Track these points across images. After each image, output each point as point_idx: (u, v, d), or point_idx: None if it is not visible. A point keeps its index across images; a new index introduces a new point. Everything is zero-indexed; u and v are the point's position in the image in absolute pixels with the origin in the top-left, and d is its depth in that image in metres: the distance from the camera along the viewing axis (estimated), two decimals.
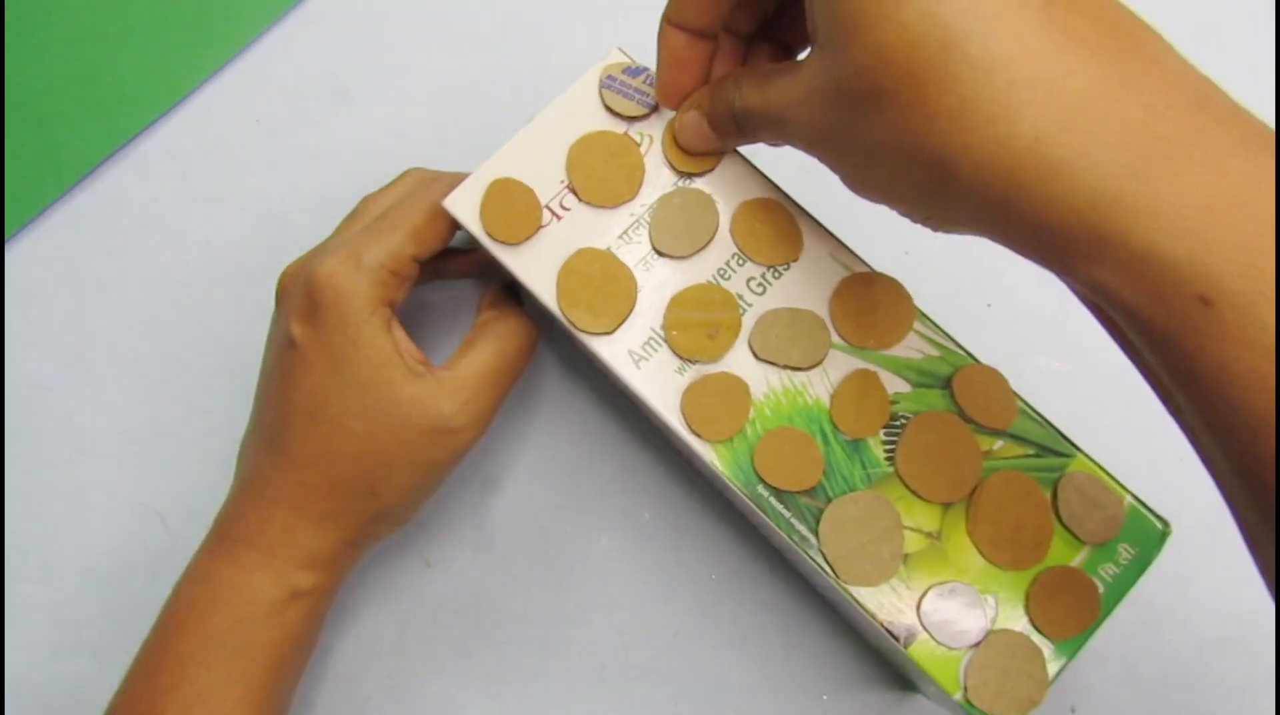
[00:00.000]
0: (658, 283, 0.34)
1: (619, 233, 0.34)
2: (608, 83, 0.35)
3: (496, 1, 0.45)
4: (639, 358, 0.34)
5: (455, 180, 0.34)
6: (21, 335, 0.41)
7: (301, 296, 0.32)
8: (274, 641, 0.32)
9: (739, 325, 0.33)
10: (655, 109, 0.34)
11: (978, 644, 0.31)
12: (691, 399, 0.33)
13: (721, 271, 0.34)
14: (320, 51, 0.44)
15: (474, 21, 0.45)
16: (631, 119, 0.34)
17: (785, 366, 0.33)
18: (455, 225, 0.34)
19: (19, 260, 0.41)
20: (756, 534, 0.40)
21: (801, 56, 0.29)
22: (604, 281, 0.34)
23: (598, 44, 0.45)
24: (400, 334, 0.33)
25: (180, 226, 0.42)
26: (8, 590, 0.38)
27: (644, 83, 0.34)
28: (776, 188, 0.34)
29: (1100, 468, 0.31)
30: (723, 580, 0.39)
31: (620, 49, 0.35)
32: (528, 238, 0.34)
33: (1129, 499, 0.31)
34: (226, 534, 0.33)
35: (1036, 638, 0.32)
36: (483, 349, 0.34)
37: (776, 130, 0.29)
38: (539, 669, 0.38)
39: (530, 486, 0.40)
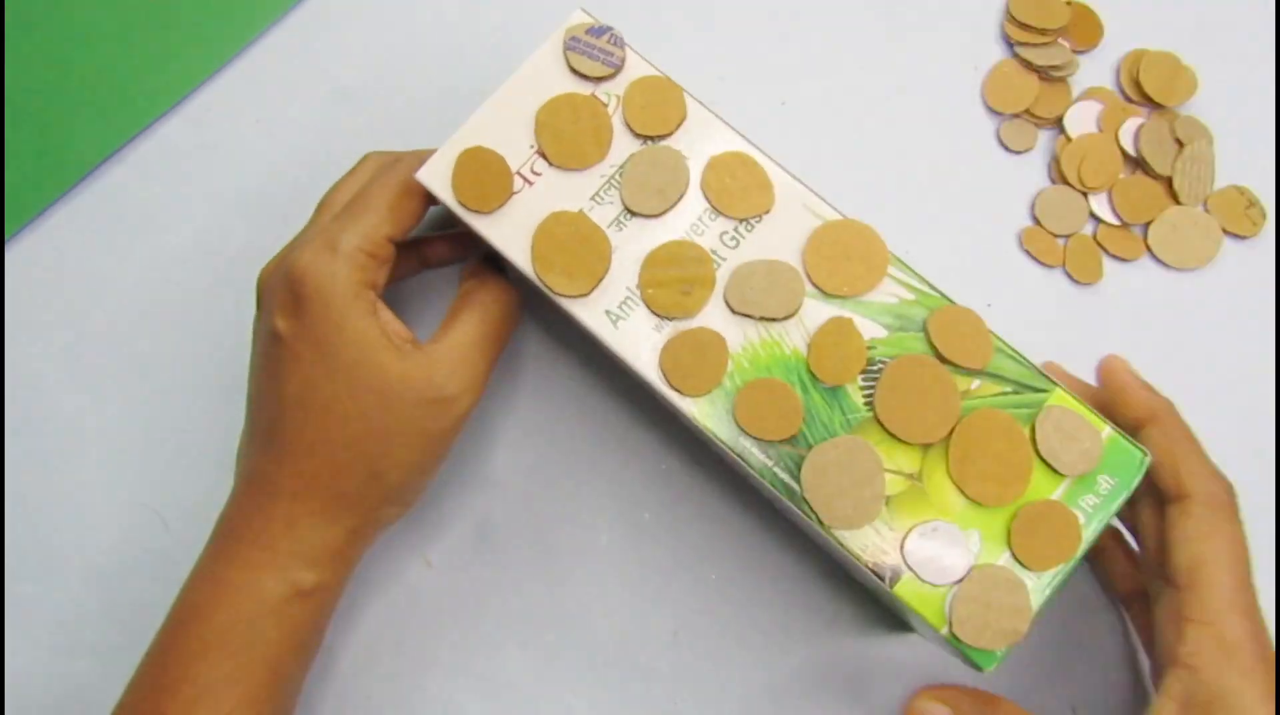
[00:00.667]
0: (631, 242, 0.34)
1: (590, 194, 0.34)
2: (571, 44, 0.35)
3: (497, 2, 0.45)
4: (616, 317, 0.34)
5: (417, 158, 0.34)
6: (21, 335, 0.41)
7: (282, 290, 0.32)
8: (277, 640, 0.32)
9: (713, 280, 0.33)
10: (620, 68, 0.34)
11: (961, 580, 0.32)
12: (670, 356, 0.33)
13: (694, 227, 0.34)
14: (320, 51, 0.44)
15: (475, 22, 0.45)
16: (598, 79, 0.35)
17: (761, 318, 0.33)
18: (428, 201, 0.34)
19: (19, 260, 0.41)
20: (756, 534, 0.40)
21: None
22: (577, 244, 0.34)
23: None
24: (388, 315, 0.33)
25: (180, 226, 0.42)
26: (8, 590, 0.38)
27: (608, 42, 0.34)
28: (746, 139, 0.34)
29: (1078, 401, 0.32)
30: (723, 580, 0.39)
31: (583, 9, 0.35)
32: (500, 205, 0.34)
33: (1107, 431, 0.32)
34: (229, 534, 0.33)
35: (1019, 570, 0.32)
36: (467, 318, 0.34)
37: None
38: (539, 669, 0.38)
39: (530, 486, 0.40)
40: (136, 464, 0.39)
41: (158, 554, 0.39)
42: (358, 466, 0.32)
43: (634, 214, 0.34)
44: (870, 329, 0.33)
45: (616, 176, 0.34)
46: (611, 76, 0.34)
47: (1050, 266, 0.43)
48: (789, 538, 0.40)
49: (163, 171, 0.43)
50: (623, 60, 0.34)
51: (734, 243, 0.34)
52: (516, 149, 0.35)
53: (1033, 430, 0.32)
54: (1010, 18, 0.46)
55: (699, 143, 0.34)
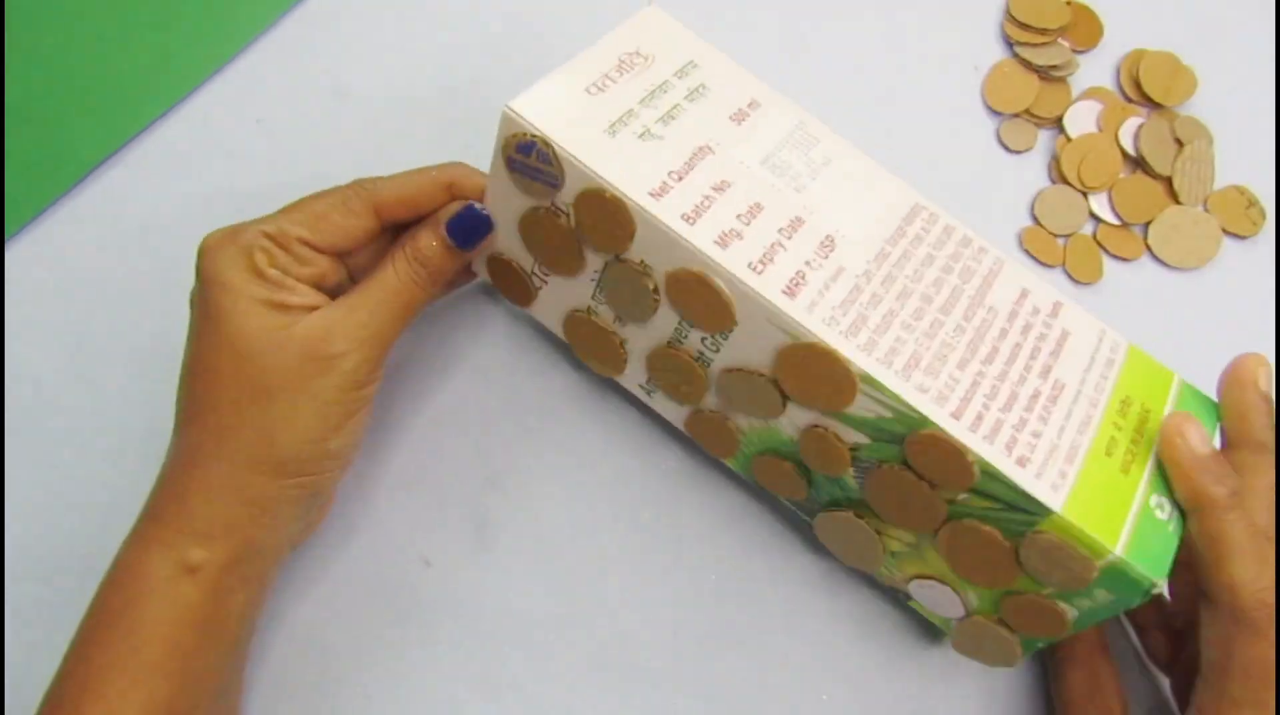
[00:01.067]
0: (633, 338, 0.36)
1: (589, 295, 0.35)
2: (510, 165, 0.33)
3: (498, 2, 0.45)
4: (648, 391, 0.38)
5: (394, 183, 0.34)
6: (21, 335, 0.41)
7: (197, 264, 0.33)
8: (167, 620, 0.30)
9: (705, 380, 0.35)
10: (560, 184, 0.32)
11: (960, 619, 0.35)
12: (692, 426, 0.38)
13: (678, 331, 0.34)
14: (320, 51, 0.44)
15: (475, 21, 0.45)
16: (546, 197, 0.33)
17: (749, 416, 0.35)
18: (365, 225, 0.34)
19: (19, 260, 0.41)
20: (756, 534, 0.40)
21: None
22: (596, 339, 0.37)
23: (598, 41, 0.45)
24: (294, 288, 0.32)
25: (180, 226, 0.42)
26: (8, 590, 0.38)
27: (537, 159, 0.32)
28: (696, 249, 0.31)
29: (1075, 527, 0.29)
30: (722, 580, 0.39)
31: (508, 107, 0.32)
32: (531, 302, 0.38)
33: (1108, 559, 0.29)
34: (140, 515, 0.32)
35: (1007, 631, 0.34)
36: (374, 285, 0.33)
37: None
38: (539, 669, 0.38)
39: (530, 486, 0.40)
40: (136, 464, 0.39)
41: None
42: (244, 430, 0.31)
43: (622, 320, 0.35)
44: (852, 436, 0.32)
45: (599, 286, 0.35)
46: (556, 192, 0.33)
47: (1050, 266, 0.43)
48: (789, 538, 0.40)
49: (163, 171, 0.43)
50: (561, 174, 0.32)
51: (715, 348, 0.34)
52: (522, 256, 0.36)
53: (1017, 548, 0.31)
54: (1010, 18, 0.46)
55: (654, 254, 0.32)
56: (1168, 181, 0.44)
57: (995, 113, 0.45)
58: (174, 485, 0.32)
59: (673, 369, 0.35)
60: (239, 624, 0.33)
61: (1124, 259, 0.43)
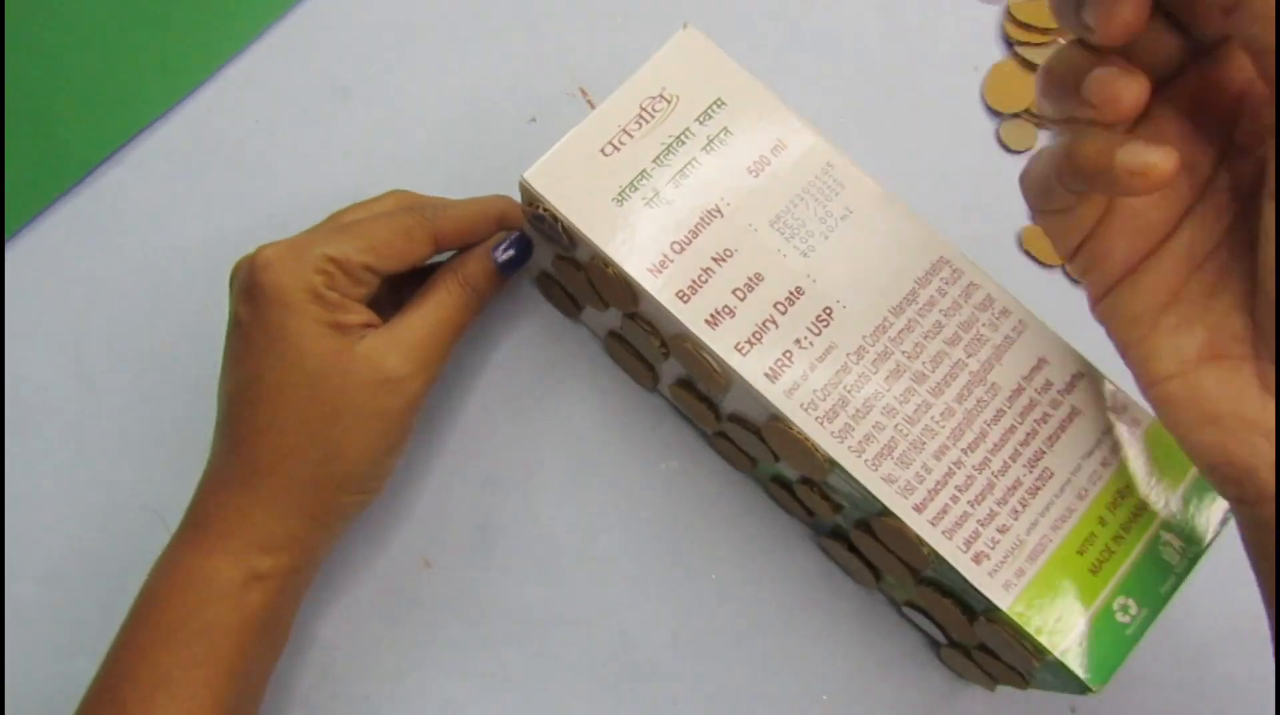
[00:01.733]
0: (659, 368, 0.38)
1: (620, 324, 0.37)
2: (532, 225, 0.35)
3: (498, 2, 0.45)
4: (670, 402, 0.41)
5: (438, 204, 0.35)
6: (21, 335, 0.41)
7: (244, 277, 0.33)
8: (235, 624, 0.32)
9: (717, 418, 0.37)
10: (573, 247, 0.34)
11: (944, 645, 0.37)
12: (715, 442, 0.40)
13: (688, 376, 0.36)
14: (320, 51, 0.44)
15: (474, 21, 0.45)
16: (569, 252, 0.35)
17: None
18: (424, 253, 0.35)
19: (19, 260, 0.41)
20: (756, 534, 0.40)
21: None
22: (630, 360, 0.39)
23: (597, 42, 0.45)
24: (354, 309, 0.33)
25: (180, 226, 0.42)
26: (8, 590, 0.38)
27: (551, 227, 0.33)
28: (689, 333, 0.32)
29: (1019, 627, 0.30)
30: (723, 580, 0.39)
31: (524, 177, 0.33)
32: (579, 317, 0.41)
33: (1048, 660, 0.30)
34: (189, 523, 0.33)
35: (979, 672, 0.35)
36: (429, 306, 0.34)
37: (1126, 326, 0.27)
38: (539, 669, 0.38)
39: (530, 486, 0.40)
40: (136, 464, 0.39)
41: (157, 554, 0.39)
42: (310, 450, 0.32)
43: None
44: (837, 495, 0.34)
45: (623, 326, 0.37)
46: (574, 251, 0.34)
47: (1050, 266, 0.43)
48: (789, 538, 0.40)
49: (163, 171, 0.43)
50: (570, 240, 0.33)
51: (719, 398, 0.35)
52: (564, 281, 0.38)
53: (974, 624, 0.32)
54: (1010, 18, 0.46)
55: (657, 318, 0.33)
56: None
57: (995, 113, 0.45)
58: (235, 499, 0.32)
59: (689, 403, 0.37)
60: (290, 623, 0.34)
61: None
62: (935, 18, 0.46)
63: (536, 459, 0.40)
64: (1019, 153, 0.45)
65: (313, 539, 0.33)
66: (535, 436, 0.40)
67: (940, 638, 0.37)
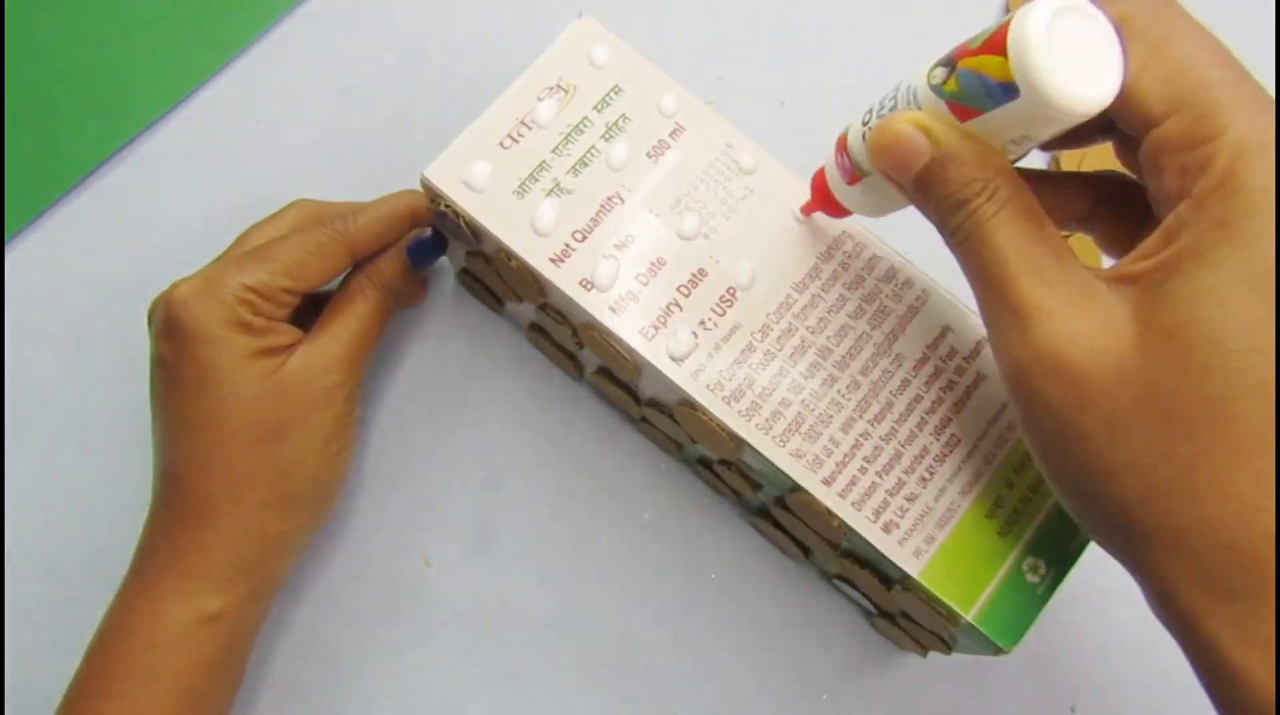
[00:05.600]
0: (581, 356, 0.38)
1: (536, 317, 0.38)
2: (439, 222, 0.36)
3: (499, 2, 0.45)
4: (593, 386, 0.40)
5: (346, 213, 0.35)
6: (21, 335, 0.41)
7: (161, 318, 0.33)
8: (185, 668, 0.31)
9: (637, 403, 0.37)
10: (479, 243, 0.34)
11: (874, 615, 0.38)
12: (644, 428, 0.40)
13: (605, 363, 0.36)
14: (320, 51, 0.44)
15: (476, 22, 0.45)
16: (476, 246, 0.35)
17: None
18: (341, 268, 0.35)
19: (19, 260, 0.41)
20: (756, 534, 0.40)
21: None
22: (553, 350, 0.39)
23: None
24: (279, 330, 0.33)
25: (180, 227, 0.42)
26: (8, 590, 0.38)
27: (455, 223, 0.33)
28: (595, 321, 0.32)
29: (930, 593, 0.30)
30: (723, 580, 0.39)
31: (423, 175, 0.33)
32: (502, 310, 0.40)
33: (961, 623, 0.30)
34: (140, 567, 0.33)
35: (909, 640, 0.36)
36: (346, 316, 0.35)
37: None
38: (539, 669, 0.38)
39: (530, 486, 0.40)
40: (136, 464, 0.39)
41: None
42: (261, 473, 0.32)
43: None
44: (754, 473, 0.34)
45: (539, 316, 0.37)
46: (481, 246, 0.35)
47: None
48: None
49: (163, 171, 0.43)
50: (474, 235, 0.34)
51: (635, 383, 0.35)
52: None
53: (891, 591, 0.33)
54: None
55: (566, 308, 0.34)
56: None
57: None
58: (188, 536, 0.32)
59: (611, 390, 0.37)
60: (245, 661, 0.34)
61: None
62: (935, 17, 0.46)
63: (537, 459, 0.40)
64: None
65: (270, 562, 0.33)
66: (535, 437, 0.40)
67: (871, 608, 0.37)
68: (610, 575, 0.39)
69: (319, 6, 0.45)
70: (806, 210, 0.33)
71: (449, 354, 0.41)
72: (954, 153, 0.25)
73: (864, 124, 0.28)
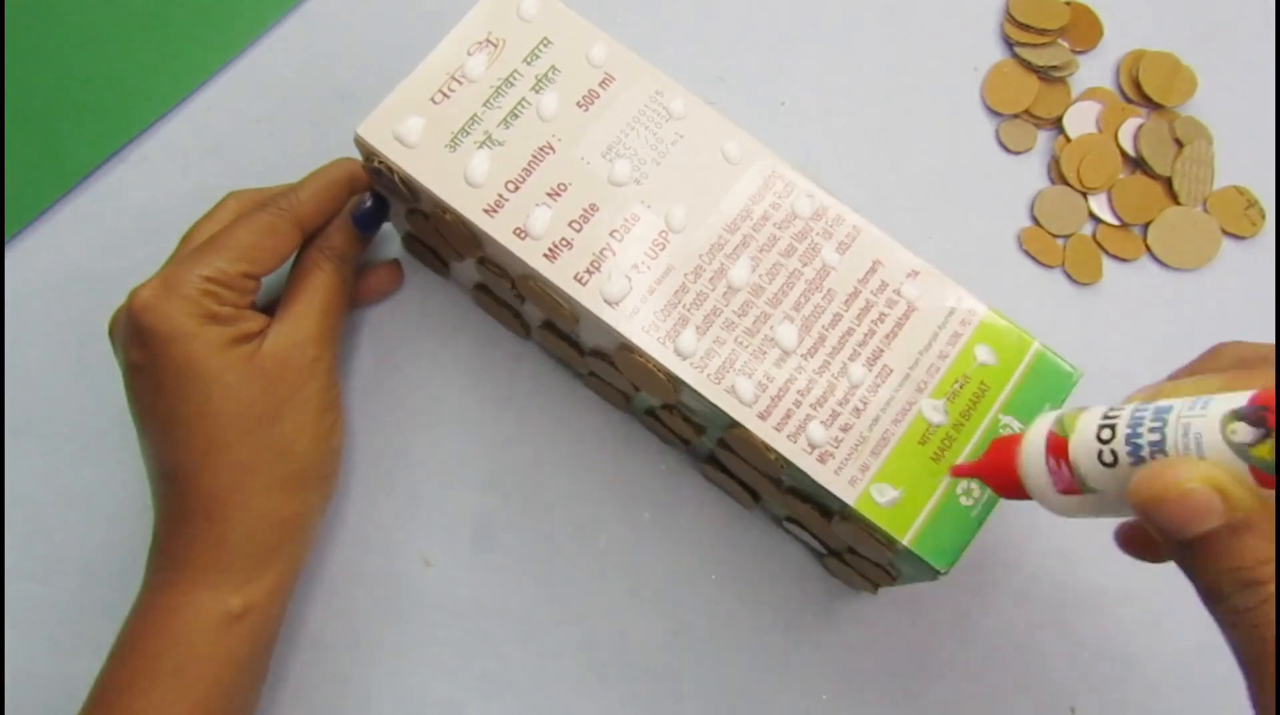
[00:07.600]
0: (526, 313, 0.39)
1: (479, 276, 0.38)
2: (376, 181, 0.36)
3: None
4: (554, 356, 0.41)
5: (287, 191, 0.35)
6: (21, 335, 0.41)
7: (126, 327, 0.33)
8: (214, 661, 0.31)
9: (581, 355, 0.37)
10: (415, 199, 0.34)
11: (823, 555, 0.38)
12: (590, 383, 0.40)
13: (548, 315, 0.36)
14: (320, 51, 0.44)
15: None
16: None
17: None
18: (294, 243, 0.35)
19: (19, 260, 0.41)
20: (756, 534, 0.40)
21: None
22: (499, 309, 0.40)
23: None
24: (248, 318, 0.33)
25: (180, 227, 0.42)
26: (8, 590, 0.38)
27: (390, 179, 0.34)
28: (529, 268, 0.33)
29: (866, 520, 0.31)
30: (723, 580, 0.39)
31: (356, 132, 0.33)
32: (448, 273, 0.41)
33: (897, 548, 0.30)
34: (158, 566, 0.33)
35: (859, 577, 0.37)
36: (311, 292, 0.35)
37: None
38: (539, 669, 0.38)
39: (530, 486, 0.40)
40: (136, 464, 0.39)
41: None
42: (264, 456, 0.32)
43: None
44: (695, 416, 0.35)
45: (481, 272, 0.37)
46: (418, 202, 0.35)
47: (1050, 267, 0.43)
48: (789, 538, 0.40)
49: (163, 171, 0.43)
50: (409, 190, 0.34)
51: (576, 333, 0.36)
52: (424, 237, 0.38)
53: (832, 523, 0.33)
54: (1010, 18, 0.46)
55: (502, 260, 0.34)
56: (1167, 182, 0.44)
57: (995, 113, 0.45)
58: (203, 531, 0.32)
59: (555, 343, 0.38)
60: (270, 656, 0.34)
61: (1124, 260, 0.43)
62: (935, 18, 0.46)
63: (536, 459, 0.40)
64: (1018, 153, 0.45)
65: (290, 547, 0.34)
66: (535, 437, 0.40)
67: (820, 548, 0.38)
68: (610, 575, 0.39)
69: (318, 6, 0.45)
70: (962, 473, 0.30)
71: (449, 355, 0.41)
72: (1253, 524, 0.21)
73: (1101, 441, 0.24)
